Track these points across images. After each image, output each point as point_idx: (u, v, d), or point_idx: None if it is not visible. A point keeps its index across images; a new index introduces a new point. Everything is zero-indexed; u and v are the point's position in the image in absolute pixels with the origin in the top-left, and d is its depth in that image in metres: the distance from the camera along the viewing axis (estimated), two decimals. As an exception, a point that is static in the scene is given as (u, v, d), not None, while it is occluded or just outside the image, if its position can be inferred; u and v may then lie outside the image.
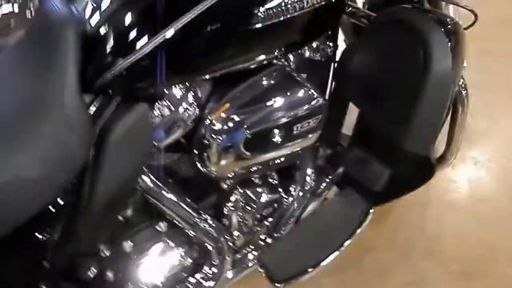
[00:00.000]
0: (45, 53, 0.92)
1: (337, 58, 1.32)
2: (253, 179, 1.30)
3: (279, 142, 1.13)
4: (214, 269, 1.30)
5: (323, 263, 1.36)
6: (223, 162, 1.12)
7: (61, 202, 1.00)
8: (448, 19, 1.16)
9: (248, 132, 1.09)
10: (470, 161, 2.02)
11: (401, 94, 1.13)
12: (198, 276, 1.30)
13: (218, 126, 1.08)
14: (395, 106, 1.15)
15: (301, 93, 1.14)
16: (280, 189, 1.35)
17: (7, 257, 0.95)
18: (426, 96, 1.07)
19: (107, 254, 1.17)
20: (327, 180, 1.44)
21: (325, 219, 1.41)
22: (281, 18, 1.04)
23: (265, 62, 1.13)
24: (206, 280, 1.30)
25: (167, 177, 1.19)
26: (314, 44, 1.27)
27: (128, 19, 0.96)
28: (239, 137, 1.09)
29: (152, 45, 0.92)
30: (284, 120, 1.12)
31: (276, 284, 1.32)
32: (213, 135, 1.08)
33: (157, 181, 1.14)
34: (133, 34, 0.96)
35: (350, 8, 1.28)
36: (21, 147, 0.85)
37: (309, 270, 1.36)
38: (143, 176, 1.11)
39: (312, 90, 1.15)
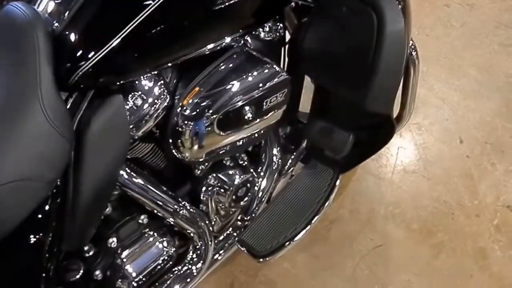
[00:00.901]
0: (16, 54, 0.91)
1: (288, 38, 1.36)
2: (224, 162, 1.31)
3: (250, 119, 1.15)
4: (198, 254, 1.31)
5: (299, 235, 1.40)
6: (198, 146, 1.12)
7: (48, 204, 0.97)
8: None
9: (220, 112, 1.11)
10: (415, 127, 2.12)
11: (358, 59, 1.18)
12: (183, 263, 1.30)
13: (189, 111, 1.09)
14: (354, 71, 1.20)
15: (265, 70, 1.16)
16: (251, 170, 1.37)
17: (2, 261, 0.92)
18: (383, 55, 1.12)
19: (92, 252, 1.16)
20: (292, 157, 1.48)
21: (295, 193, 1.45)
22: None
23: (224, 44, 1.15)
24: (191, 265, 1.31)
25: (142, 169, 1.19)
26: (267, 26, 1.29)
27: (92, 15, 0.96)
28: (212, 119, 1.10)
29: (118, 39, 0.93)
30: (253, 97, 1.14)
31: (259, 260, 1.35)
32: (185, 120, 1.09)
33: (133, 173, 1.14)
34: (99, 29, 0.96)
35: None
36: (8, 148, 0.83)
37: (287, 243, 1.39)
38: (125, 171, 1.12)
39: (274, 66, 1.18)
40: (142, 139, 1.13)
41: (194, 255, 1.31)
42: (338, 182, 1.47)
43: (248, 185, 1.35)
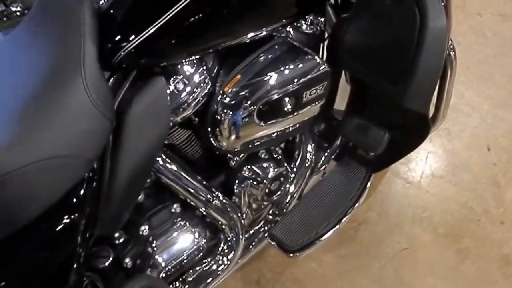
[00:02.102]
0: (62, 29, 0.88)
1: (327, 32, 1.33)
2: (259, 155, 1.27)
3: (290, 110, 1.12)
4: (229, 246, 1.27)
5: (330, 233, 1.35)
6: (236, 135, 1.09)
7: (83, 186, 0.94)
8: None
9: (260, 102, 1.07)
10: (444, 133, 2.06)
11: (399, 54, 1.13)
12: (214, 255, 1.26)
13: (230, 99, 1.05)
14: (394, 67, 1.15)
15: (306, 62, 1.12)
16: (285, 164, 1.33)
17: (35, 243, 0.88)
18: (425, 52, 1.07)
19: (123, 239, 1.12)
20: (325, 154, 1.43)
21: (327, 191, 1.40)
22: None
23: (266, 34, 1.11)
24: (222, 257, 1.27)
25: (179, 156, 1.15)
26: (308, 18, 1.26)
27: None
28: (252, 109, 1.06)
29: (163, 21, 0.90)
30: (293, 88, 1.10)
31: (290, 255, 1.30)
32: (225, 109, 1.05)
33: (168, 160, 1.10)
34: (144, 10, 0.93)
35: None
36: (48, 124, 0.80)
37: (318, 240, 1.34)
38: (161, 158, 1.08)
39: (316, 58, 1.14)
40: (180, 125, 1.09)
41: (225, 247, 1.26)
42: (369, 183, 1.42)
43: (282, 179, 1.31)
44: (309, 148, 1.37)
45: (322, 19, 1.29)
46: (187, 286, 1.22)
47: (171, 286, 1.21)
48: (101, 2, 0.93)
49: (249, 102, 1.06)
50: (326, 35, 1.32)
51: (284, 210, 1.37)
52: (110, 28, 0.91)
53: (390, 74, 1.16)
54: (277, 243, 1.31)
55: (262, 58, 1.09)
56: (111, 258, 1.10)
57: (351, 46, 1.23)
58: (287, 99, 1.10)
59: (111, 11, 0.92)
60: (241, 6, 1.02)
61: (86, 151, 0.84)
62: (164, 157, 1.10)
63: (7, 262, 0.85)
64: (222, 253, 1.27)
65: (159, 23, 0.90)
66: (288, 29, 1.19)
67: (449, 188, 1.90)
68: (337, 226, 1.36)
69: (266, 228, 1.36)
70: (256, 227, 1.37)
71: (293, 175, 1.36)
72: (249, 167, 1.25)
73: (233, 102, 1.05)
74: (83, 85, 0.83)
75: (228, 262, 1.27)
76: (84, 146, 0.84)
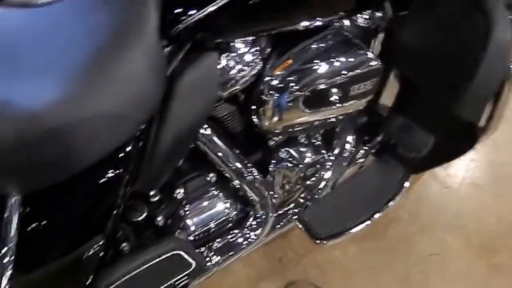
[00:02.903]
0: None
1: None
2: (298, 138, 1.28)
3: (335, 101, 1.12)
4: (258, 222, 1.29)
5: (359, 227, 1.36)
6: (278, 117, 1.10)
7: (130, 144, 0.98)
8: None
9: (307, 89, 1.08)
10: (491, 143, 1.99)
11: (458, 60, 1.11)
12: (242, 227, 1.29)
13: (278, 82, 1.06)
14: (451, 72, 1.13)
15: (359, 55, 1.12)
16: (323, 151, 1.33)
17: (81, 191, 0.94)
18: (485, 62, 1.05)
19: (158, 198, 1.16)
20: (365, 148, 1.43)
21: (363, 185, 1.40)
22: None
23: (321, 24, 1.12)
24: (249, 231, 1.30)
25: (221, 129, 1.18)
26: (366, 13, 1.24)
27: None
28: (298, 94, 1.07)
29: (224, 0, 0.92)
30: (342, 80, 1.10)
31: (316, 241, 1.32)
32: (272, 90, 1.07)
33: (210, 131, 1.13)
34: None
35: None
36: (103, 83, 0.84)
37: (347, 231, 1.35)
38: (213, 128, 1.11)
39: (369, 53, 1.13)
40: (226, 100, 1.12)
41: (254, 222, 1.29)
42: (407, 184, 1.41)
43: (318, 166, 1.31)
44: (350, 139, 1.37)
45: (379, 14, 1.27)
46: (212, 253, 1.26)
47: (197, 251, 1.25)
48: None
49: (296, 87, 1.07)
50: (381, 30, 1.30)
51: (316, 197, 1.38)
52: (173, 0, 0.94)
53: (446, 78, 1.15)
54: (305, 227, 1.32)
55: (315, 46, 1.10)
56: (145, 214, 1.15)
57: (407, 45, 1.21)
58: (334, 90, 1.10)
59: None
60: None
61: (137, 112, 0.88)
62: (206, 127, 1.13)
63: (55, 206, 0.91)
64: (250, 227, 1.29)
65: (219, 2, 0.92)
66: (343, 21, 1.18)
67: (488, 199, 1.86)
68: (368, 222, 1.36)
69: (296, 210, 1.38)
70: (286, 208, 1.38)
71: (329, 163, 1.36)
72: (287, 149, 1.26)
73: (281, 85, 1.06)
74: (141, 51, 0.86)
75: (255, 238, 1.29)
76: (136, 108, 0.87)
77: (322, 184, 1.37)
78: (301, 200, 1.38)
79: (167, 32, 0.93)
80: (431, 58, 1.17)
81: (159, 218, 1.17)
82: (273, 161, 1.27)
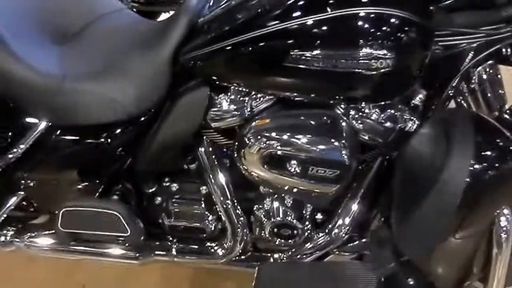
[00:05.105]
0: (163, 24, 1.26)
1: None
2: (284, 198, 1.38)
3: (292, 175, 1.20)
4: (222, 249, 1.46)
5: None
6: (249, 165, 1.24)
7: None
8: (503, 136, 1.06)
9: (271, 151, 1.19)
10: None
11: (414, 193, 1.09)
12: (211, 243, 1.48)
13: (251, 134, 1.22)
14: (408, 199, 1.11)
15: (332, 144, 1.17)
16: (307, 223, 1.40)
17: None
18: (433, 193, 1.01)
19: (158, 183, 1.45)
20: (351, 244, 1.42)
21: (334, 273, 1.40)
22: (345, 70, 1.08)
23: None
24: (213, 252, 1.47)
25: (225, 158, 1.39)
26: (388, 111, 1.23)
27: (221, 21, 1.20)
28: (264, 151, 1.20)
29: (222, 45, 1.15)
30: (303, 156, 1.18)
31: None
32: (246, 139, 1.22)
33: (215, 157, 1.36)
34: (219, 30, 1.18)
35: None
36: (122, 77, 1.23)
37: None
38: (205, 148, 1.36)
39: (345, 149, 1.17)
40: (223, 133, 1.33)
41: (219, 249, 1.47)
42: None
43: (295, 231, 1.39)
44: (340, 222, 1.38)
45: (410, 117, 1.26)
46: (174, 246, 1.48)
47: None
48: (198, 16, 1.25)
49: (262, 144, 1.21)
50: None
51: (290, 259, 1.45)
52: (191, 38, 1.22)
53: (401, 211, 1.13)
54: (257, 278, 1.37)
55: (301, 118, 1.21)
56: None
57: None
58: (292, 162, 1.19)
59: (199, 23, 1.23)
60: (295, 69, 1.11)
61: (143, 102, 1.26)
62: (212, 150, 1.36)
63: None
64: (216, 248, 1.47)
65: (220, 46, 1.15)
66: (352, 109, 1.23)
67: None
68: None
69: (261, 258, 1.47)
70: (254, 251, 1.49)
71: (309, 235, 1.41)
72: (269, 201, 1.39)
73: (252, 138, 1.21)
74: (155, 65, 1.22)
75: (219, 257, 1.46)
76: (142, 100, 1.26)
77: (297, 250, 1.43)
78: (269, 254, 1.46)
79: (177, 58, 1.22)
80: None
81: (158, 198, 1.45)
82: (257, 207, 1.41)
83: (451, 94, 1.27)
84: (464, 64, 1.21)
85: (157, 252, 1.48)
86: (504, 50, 1.23)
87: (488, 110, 1.41)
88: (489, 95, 1.35)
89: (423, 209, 1.05)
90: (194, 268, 1.68)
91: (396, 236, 1.13)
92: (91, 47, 1.33)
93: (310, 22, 1.07)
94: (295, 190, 1.26)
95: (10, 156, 1.30)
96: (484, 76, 1.31)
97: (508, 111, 1.31)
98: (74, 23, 1.38)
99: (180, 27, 1.22)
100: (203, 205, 1.44)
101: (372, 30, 1.06)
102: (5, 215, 1.45)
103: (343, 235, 1.39)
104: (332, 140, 1.18)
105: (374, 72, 1.06)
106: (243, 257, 1.48)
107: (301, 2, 1.08)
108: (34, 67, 1.20)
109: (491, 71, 1.31)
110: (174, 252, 1.47)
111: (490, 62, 1.27)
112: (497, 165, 1.02)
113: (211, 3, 1.28)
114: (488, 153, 1.03)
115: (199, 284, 1.80)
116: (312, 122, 1.21)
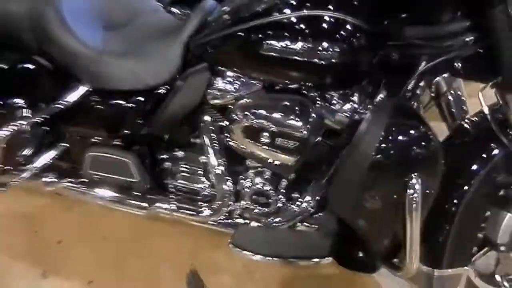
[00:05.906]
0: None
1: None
2: (263, 170, 1.67)
3: (264, 144, 1.51)
4: (211, 210, 1.74)
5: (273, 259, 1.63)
6: (234, 134, 1.56)
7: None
8: (422, 129, 1.29)
9: (251, 123, 1.51)
10: None
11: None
12: (200, 204, 1.77)
13: (239, 109, 1.54)
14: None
15: (296, 121, 1.47)
16: (280, 196, 1.67)
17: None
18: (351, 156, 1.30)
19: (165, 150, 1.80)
20: (315, 216, 1.66)
21: (296, 237, 1.65)
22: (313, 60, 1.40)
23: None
24: (203, 211, 1.76)
25: (220, 134, 1.69)
26: (350, 104, 1.52)
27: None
28: (245, 124, 1.52)
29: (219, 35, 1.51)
30: (274, 129, 1.49)
31: (230, 245, 1.64)
32: (233, 115, 1.55)
33: (213, 133, 1.67)
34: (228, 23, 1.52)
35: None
36: (145, 57, 1.62)
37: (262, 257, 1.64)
38: (205, 124, 1.68)
39: (305, 126, 1.46)
40: (217, 109, 1.65)
41: (210, 209, 1.75)
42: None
43: (269, 200, 1.67)
44: (308, 198, 1.64)
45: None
46: (174, 201, 1.80)
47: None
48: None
49: (244, 119, 1.53)
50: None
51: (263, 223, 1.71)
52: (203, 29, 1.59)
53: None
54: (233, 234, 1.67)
55: (272, 99, 1.52)
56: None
57: None
58: (262, 133, 1.50)
59: (208, 21, 1.60)
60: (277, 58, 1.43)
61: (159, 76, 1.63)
62: (209, 127, 1.68)
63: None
64: (207, 209, 1.77)
65: (221, 34, 1.51)
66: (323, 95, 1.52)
67: None
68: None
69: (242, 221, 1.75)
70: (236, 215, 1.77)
71: (281, 207, 1.68)
72: (252, 173, 1.68)
73: (238, 114, 1.54)
74: (173, 47, 1.61)
75: (206, 216, 1.76)
76: (159, 74, 1.63)
77: (271, 218, 1.70)
78: (248, 216, 1.74)
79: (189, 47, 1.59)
80: None
81: (166, 163, 1.80)
82: (242, 175, 1.70)
83: (408, 97, 1.52)
84: (417, 71, 1.44)
85: (159, 205, 1.79)
86: (456, 64, 1.39)
87: (450, 118, 1.66)
88: (450, 104, 1.59)
89: (345, 170, 1.33)
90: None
91: (329, 197, 1.38)
92: (127, 34, 1.73)
93: (283, 18, 1.40)
94: (267, 158, 1.55)
95: (57, 110, 1.69)
96: (444, 88, 1.56)
97: (467, 120, 1.52)
98: (120, 16, 1.79)
99: (193, 23, 1.58)
100: (201, 172, 1.75)
101: (329, 29, 1.38)
102: (50, 161, 1.83)
103: (310, 209, 1.65)
104: (297, 119, 1.48)
105: (324, 62, 1.36)
106: (229, 221, 1.76)
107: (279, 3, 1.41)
108: (82, 41, 1.62)
109: (452, 83, 1.55)
110: (174, 207, 1.78)
111: (445, 75, 1.51)
112: (405, 138, 1.27)
113: (220, 7, 1.63)
114: (399, 128, 1.28)
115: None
116: (285, 104, 1.51)
